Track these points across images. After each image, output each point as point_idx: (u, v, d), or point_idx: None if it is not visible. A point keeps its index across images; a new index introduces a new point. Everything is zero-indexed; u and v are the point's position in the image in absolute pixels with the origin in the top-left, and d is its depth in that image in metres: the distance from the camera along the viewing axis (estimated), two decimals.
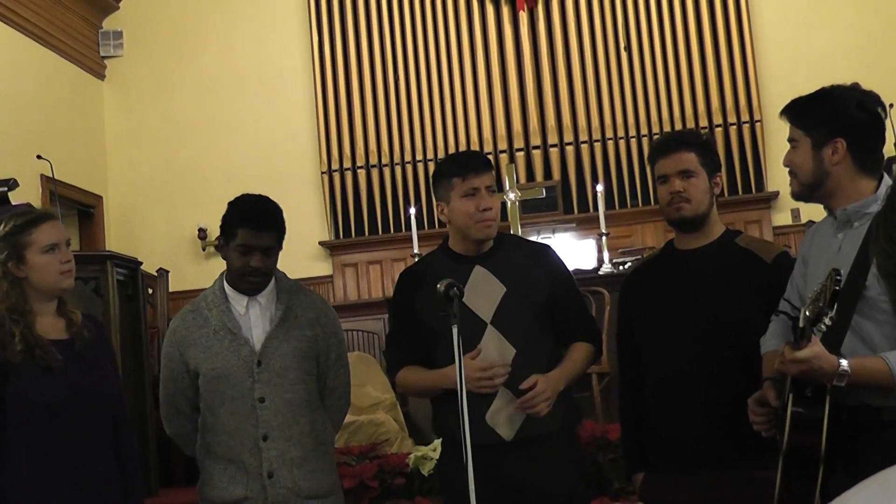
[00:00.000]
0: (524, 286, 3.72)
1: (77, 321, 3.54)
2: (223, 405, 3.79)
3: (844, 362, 2.78)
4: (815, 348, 2.78)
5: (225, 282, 3.89)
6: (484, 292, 3.68)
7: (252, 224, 3.73)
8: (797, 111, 3.18)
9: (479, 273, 3.72)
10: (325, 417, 3.95)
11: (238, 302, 3.84)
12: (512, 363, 3.63)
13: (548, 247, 4.02)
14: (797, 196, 3.22)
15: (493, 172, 3.83)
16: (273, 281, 3.89)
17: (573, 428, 3.88)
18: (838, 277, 2.68)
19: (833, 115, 3.07)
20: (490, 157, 10.61)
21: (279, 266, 3.93)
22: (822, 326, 2.75)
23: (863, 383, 2.81)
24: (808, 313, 2.76)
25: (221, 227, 3.84)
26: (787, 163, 3.20)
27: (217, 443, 3.81)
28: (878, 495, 1.08)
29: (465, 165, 3.79)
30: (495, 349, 3.64)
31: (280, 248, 3.83)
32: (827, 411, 2.86)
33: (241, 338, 3.79)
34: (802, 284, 3.27)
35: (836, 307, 2.72)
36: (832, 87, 3.17)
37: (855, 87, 3.14)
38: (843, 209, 3.05)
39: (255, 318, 3.83)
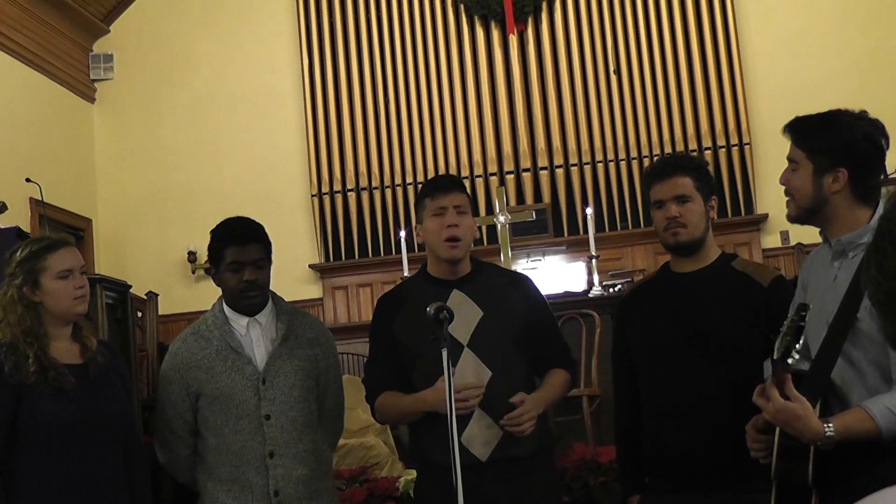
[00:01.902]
0: (501, 311, 3.76)
1: (92, 347, 3.62)
2: (227, 425, 3.82)
3: (830, 428, 2.74)
4: (794, 406, 2.74)
5: (224, 304, 3.94)
6: (461, 316, 3.68)
7: (237, 240, 3.83)
8: (803, 133, 3.13)
9: (457, 297, 3.74)
10: (324, 438, 4.01)
11: (238, 323, 3.90)
12: (487, 386, 3.64)
13: (525, 276, 4.08)
14: (794, 219, 3.20)
15: (466, 195, 3.87)
16: (271, 302, 3.94)
17: (549, 452, 3.88)
18: (803, 313, 2.71)
19: (839, 143, 3.03)
20: (480, 179, 10.65)
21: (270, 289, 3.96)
22: (791, 360, 2.74)
23: (850, 441, 2.76)
24: (778, 345, 2.74)
25: (209, 255, 3.92)
26: (784, 182, 3.17)
27: (220, 464, 3.83)
28: None
29: (433, 186, 3.87)
30: (472, 371, 3.66)
31: (269, 262, 3.90)
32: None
33: (244, 356, 3.84)
34: None
35: (802, 342, 2.72)
36: (839, 112, 3.13)
37: (863, 116, 3.12)
38: (837, 240, 3.04)
39: (256, 337, 3.89)
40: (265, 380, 3.81)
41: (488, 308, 3.74)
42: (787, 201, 3.19)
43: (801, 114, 3.24)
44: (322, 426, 4.00)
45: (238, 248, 3.81)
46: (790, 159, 3.17)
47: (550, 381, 3.78)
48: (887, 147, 3.09)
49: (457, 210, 3.76)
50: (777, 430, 2.91)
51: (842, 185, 3.03)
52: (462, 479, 3.34)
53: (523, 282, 3.95)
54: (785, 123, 3.21)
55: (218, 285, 3.92)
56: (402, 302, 3.83)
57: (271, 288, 3.96)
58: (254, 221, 3.92)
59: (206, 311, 4.02)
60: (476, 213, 10.20)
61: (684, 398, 3.53)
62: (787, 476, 2.92)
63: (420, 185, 10.57)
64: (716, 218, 3.81)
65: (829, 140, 3.07)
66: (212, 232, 3.92)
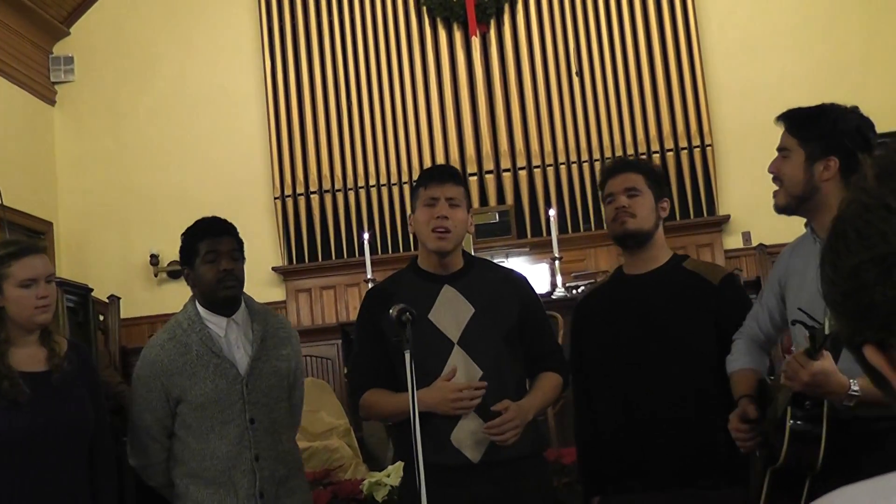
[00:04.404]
0: (493, 308, 3.71)
1: (60, 352, 3.56)
2: (213, 430, 3.81)
3: (854, 383, 2.78)
4: (826, 364, 2.77)
5: (199, 306, 3.90)
6: (452, 312, 3.68)
7: (211, 233, 3.86)
8: (797, 121, 3.18)
9: (448, 293, 3.71)
10: (294, 435, 4.04)
11: (216, 324, 3.89)
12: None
13: (519, 273, 4.03)
14: (782, 208, 3.22)
15: (463, 188, 3.82)
16: (243, 302, 3.95)
17: (541, 454, 3.85)
18: None
19: (832, 133, 3.10)
20: None
21: None
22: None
23: (870, 402, 2.80)
24: (832, 322, 2.74)
25: (183, 254, 3.92)
26: (774, 170, 3.20)
27: (205, 468, 3.81)
28: (872, 495, 1.09)
29: (428, 176, 3.83)
30: (462, 370, 3.61)
31: (243, 258, 3.92)
32: (825, 424, 2.88)
33: (227, 360, 3.83)
34: (774, 304, 3.30)
35: None
36: (832, 105, 3.20)
37: (855, 110, 3.18)
38: None
39: (234, 339, 3.88)
40: (248, 383, 3.80)
41: (480, 305, 3.69)
42: (776, 191, 3.21)
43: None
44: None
45: (213, 239, 3.84)
46: (781, 148, 3.20)
47: (540, 385, 3.74)
48: (876, 143, 3.14)
49: (449, 202, 3.70)
50: (788, 414, 2.92)
51: (832, 173, 3.08)
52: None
53: (516, 279, 3.91)
54: (779, 114, 3.25)
55: (193, 286, 3.91)
56: (391, 296, 3.69)
57: None
58: (225, 219, 3.96)
59: (169, 314, 4.01)
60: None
61: (641, 399, 3.56)
62: (796, 461, 2.94)
63: (383, 188, 10.61)
64: (674, 218, 3.85)
65: (823, 129, 3.11)
66: (183, 233, 3.92)
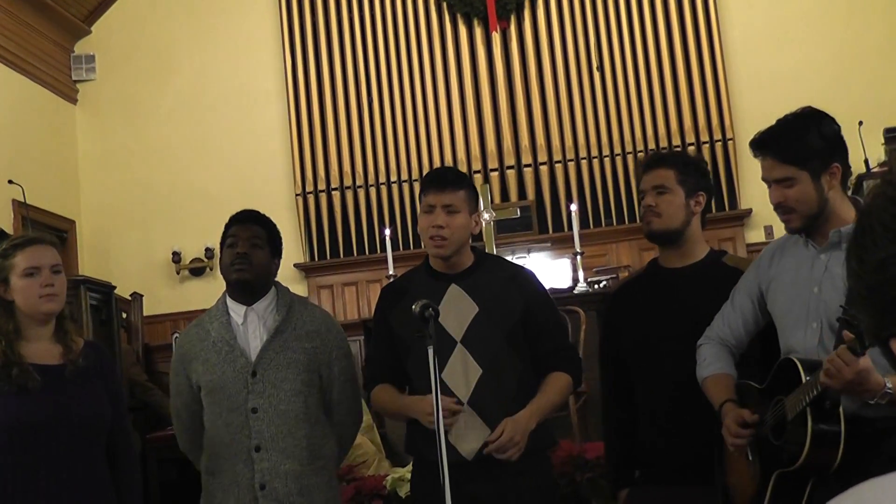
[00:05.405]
0: (497, 307, 3.71)
1: (76, 349, 3.58)
2: (220, 417, 3.85)
3: (889, 381, 2.76)
4: (868, 362, 2.74)
5: (227, 296, 3.97)
6: (456, 311, 3.69)
7: (238, 219, 3.93)
8: (783, 148, 3.13)
9: (454, 292, 3.72)
10: (327, 432, 3.96)
11: (237, 313, 3.92)
12: (477, 383, 3.63)
13: (527, 270, 4.01)
14: (798, 229, 3.18)
15: (465, 190, 3.79)
16: (273, 293, 3.95)
17: (544, 452, 3.83)
18: None
19: (822, 143, 3.08)
20: None
21: None
22: None
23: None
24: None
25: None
26: (782, 200, 3.14)
27: (215, 455, 3.86)
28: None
29: (426, 182, 3.84)
30: (463, 368, 3.64)
31: (271, 249, 3.94)
32: (843, 424, 2.87)
33: (238, 349, 3.85)
34: (749, 308, 3.28)
35: None
36: (795, 115, 3.16)
37: (815, 111, 3.16)
38: (836, 230, 3.05)
39: (252, 328, 3.90)
40: (255, 372, 3.81)
41: (484, 303, 3.70)
42: (788, 217, 3.16)
43: (783, 108, 3.24)
44: (331, 420, 3.98)
45: (237, 226, 3.90)
46: (780, 179, 3.14)
47: (545, 389, 3.71)
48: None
49: (446, 210, 3.70)
50: (809, 416, 2.89)
51: (837, 179, 3.07)
52: (449, 477, 3.34)
53: (524, 276, 3.89)
54: (754, 146, 3.21)
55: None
56: (403, 293, 3.78)
57: None
58: (258, 212, 4.01)
59: (191, 311, 4.07)
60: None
61: (674, 392, 3.54)
62: (813, 462, 2.92)
63: (404, 184, 10.61)
64: (705, 212, 3.81)
65: (814, 144, 3.09)
66: None
